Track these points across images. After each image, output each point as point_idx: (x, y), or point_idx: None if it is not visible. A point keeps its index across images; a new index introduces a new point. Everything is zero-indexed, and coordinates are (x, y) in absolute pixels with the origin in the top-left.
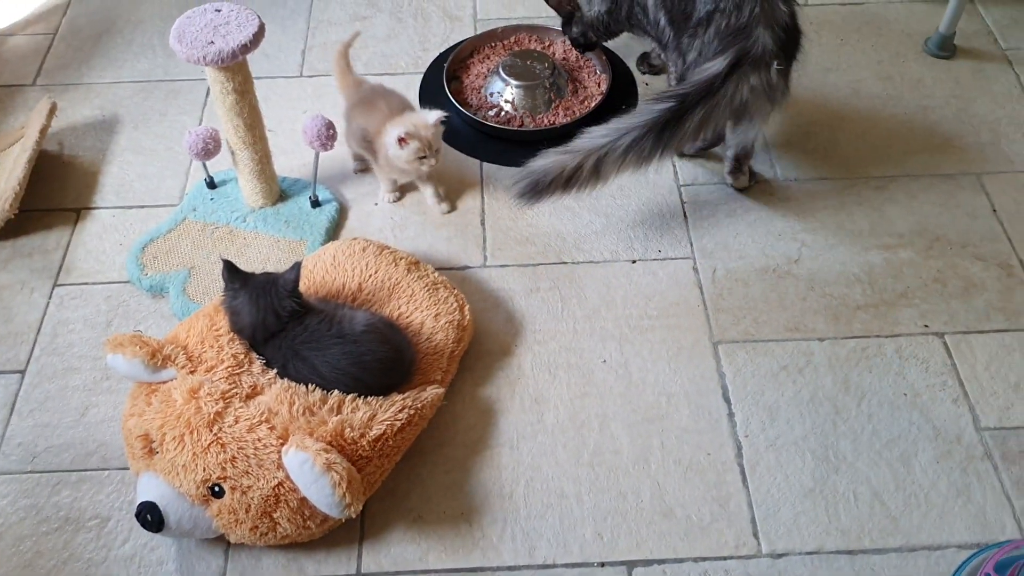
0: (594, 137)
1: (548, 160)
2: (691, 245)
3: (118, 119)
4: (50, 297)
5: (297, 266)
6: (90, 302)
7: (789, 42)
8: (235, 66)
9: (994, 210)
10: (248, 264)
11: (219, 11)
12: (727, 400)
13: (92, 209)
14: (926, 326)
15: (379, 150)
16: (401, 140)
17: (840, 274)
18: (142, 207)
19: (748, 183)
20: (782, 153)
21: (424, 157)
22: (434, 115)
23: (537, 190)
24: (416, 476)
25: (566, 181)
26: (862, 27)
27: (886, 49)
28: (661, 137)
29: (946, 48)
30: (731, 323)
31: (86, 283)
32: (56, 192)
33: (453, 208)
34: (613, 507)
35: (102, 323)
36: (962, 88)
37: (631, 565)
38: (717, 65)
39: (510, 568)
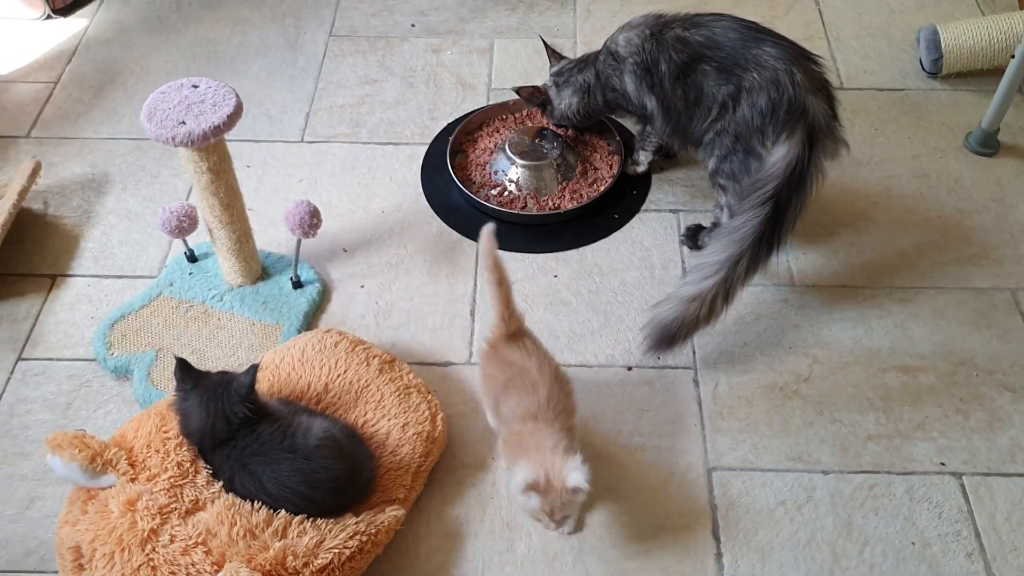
0: (709, 276)
1: (676, 310)
2: (694, 354)
3: (108, 178)
4: (12, 372)
5: (253, 369)
6: (53, 379)
7: (832, 98)
8: (209, 146)
9: None
10: (220, 348)
11: (196, 87)
12: (716, 538)
13: (68, 276)
14: (943, 464)
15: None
16: (528, 487)
17: (852, 398)
18: (120, 277)
19: None
20: (801, 255)
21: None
22: (576, 476)
23: (673, 341)
24: None
25: (697, 323)
26: (900, 117)
27: (924, 143)
28: (772, 240)
29: (989, 145)
30: (729, 447)
31: (51, 358)
32: (34, 255)
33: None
34: None
35: (62, 404)
36: (1004, 191)
37: None
38: (790, 151)
39: None
